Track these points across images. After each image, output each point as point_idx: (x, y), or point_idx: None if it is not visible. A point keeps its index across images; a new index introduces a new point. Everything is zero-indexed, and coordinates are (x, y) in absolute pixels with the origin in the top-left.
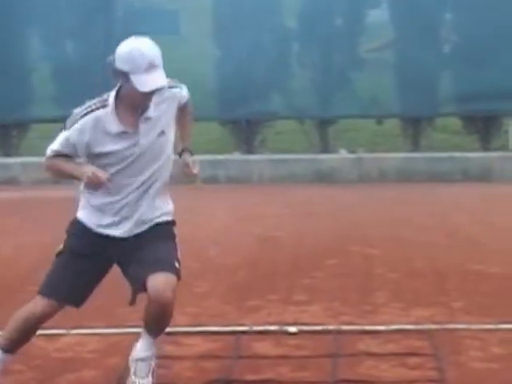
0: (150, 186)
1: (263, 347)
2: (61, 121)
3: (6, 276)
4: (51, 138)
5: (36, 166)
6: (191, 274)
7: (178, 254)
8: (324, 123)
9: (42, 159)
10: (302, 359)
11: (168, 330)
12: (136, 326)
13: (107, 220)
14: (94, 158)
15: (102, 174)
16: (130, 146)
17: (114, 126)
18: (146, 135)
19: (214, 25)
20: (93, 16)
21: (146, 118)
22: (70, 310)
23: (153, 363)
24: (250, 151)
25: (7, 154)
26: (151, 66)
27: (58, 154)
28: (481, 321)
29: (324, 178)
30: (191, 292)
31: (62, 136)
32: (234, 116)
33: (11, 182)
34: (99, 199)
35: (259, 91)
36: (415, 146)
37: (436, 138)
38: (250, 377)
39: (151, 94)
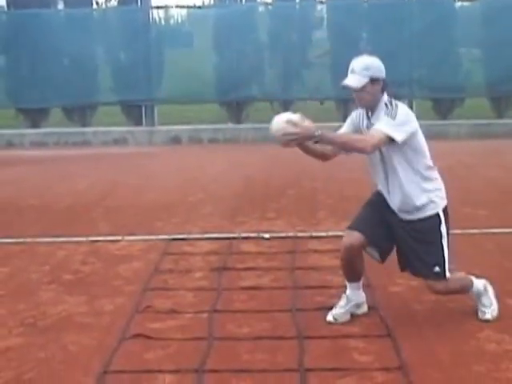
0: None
1: (247, 247)
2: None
3: None
4: None
5: None
6: (201, 201)
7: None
8: (286, 103)
9: None
10: (272, 254)
11: (185, 236)
12: (166, 233)
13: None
14: None
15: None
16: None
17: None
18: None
19: (214, 40)
20: (136, 35)
21: (371, 123)
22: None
23: (482, 295)
24: (238, 122)
25: None
26: (351, 71)
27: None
28: None
29: None
30: (200, 213)
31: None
32: (227, 99)
33: None
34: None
35: (244, 83)
36: (344, 118)
37: None
38: (239, 266)
39: (356, 92)
